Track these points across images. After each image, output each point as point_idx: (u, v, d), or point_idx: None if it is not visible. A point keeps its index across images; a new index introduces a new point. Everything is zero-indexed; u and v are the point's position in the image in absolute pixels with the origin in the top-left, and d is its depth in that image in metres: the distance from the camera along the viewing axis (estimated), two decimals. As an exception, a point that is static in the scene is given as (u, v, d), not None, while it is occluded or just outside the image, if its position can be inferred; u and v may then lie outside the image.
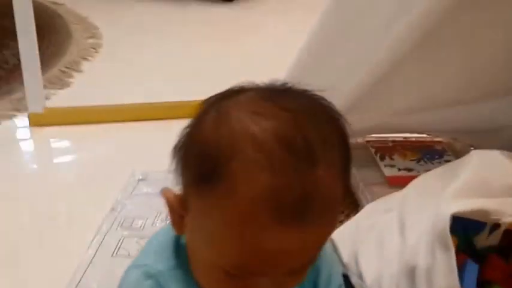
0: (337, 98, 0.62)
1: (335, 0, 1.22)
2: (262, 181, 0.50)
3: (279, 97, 0.56)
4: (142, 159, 1.61)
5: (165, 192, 0.61)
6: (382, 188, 1.32)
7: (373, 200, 1.27)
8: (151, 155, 1.34)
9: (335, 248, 1.14)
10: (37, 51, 1.78)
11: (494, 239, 1.01)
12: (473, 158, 1.09)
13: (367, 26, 1.19)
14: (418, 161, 1.42)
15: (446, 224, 0.93)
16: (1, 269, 1.22)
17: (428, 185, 1.12)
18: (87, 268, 1.17)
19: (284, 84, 0.59)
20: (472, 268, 0.99)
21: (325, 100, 0.59)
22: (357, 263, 1.09)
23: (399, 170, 1.38)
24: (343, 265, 1.11)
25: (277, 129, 0.52)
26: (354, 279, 1.09)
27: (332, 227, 0.57)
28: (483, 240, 1.02)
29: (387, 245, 1.06)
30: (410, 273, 0.97)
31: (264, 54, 2.31)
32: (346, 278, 1.11)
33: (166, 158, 0.60)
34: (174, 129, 0.59)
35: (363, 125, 1.38)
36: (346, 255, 1.12)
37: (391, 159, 1.42)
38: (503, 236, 1.01)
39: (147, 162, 1.53)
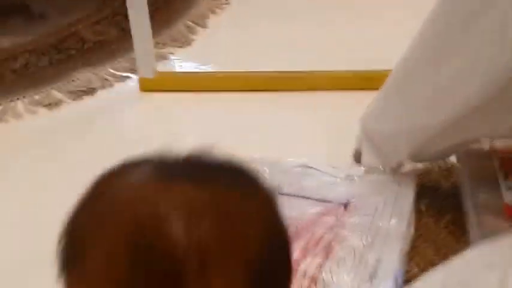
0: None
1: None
2: None
3: (179, 176, 0.44)
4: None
5: None
6: (496, 220, 1.07)
7: (482, 232, 1.04)
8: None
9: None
10: (147, 15, 1.69)
11: None
12: None
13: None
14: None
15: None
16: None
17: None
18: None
19: (201, 155, 0.47)
20: None
21: (253, 176, 0.47)
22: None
23: (526, 195, 1.11)
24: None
25: (144, 227, 0.41)
26: None
27: None
28: None
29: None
30: None
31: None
32: None
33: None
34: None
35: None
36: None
37: (518, 178, 1.16)
38: None
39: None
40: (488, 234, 1.02)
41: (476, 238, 1.07)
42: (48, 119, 1.70)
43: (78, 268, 0.44)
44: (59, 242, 0.46)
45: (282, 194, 1.29)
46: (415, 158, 1.31)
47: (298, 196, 1.31)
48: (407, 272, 1.11)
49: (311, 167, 1.40)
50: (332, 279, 1.10)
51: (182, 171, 0.45)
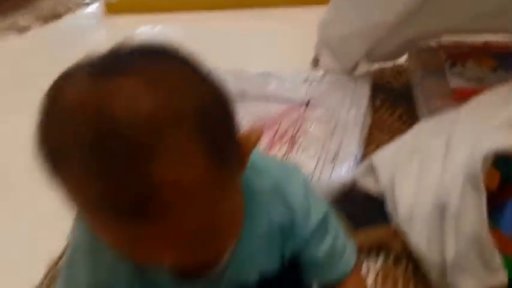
0: None
1: None
2: (91, 189, 0.44)
3: (117, 68, 0.46)
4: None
5: None
6: (444, 101, 1.18)
7: (432, 114, 1.15)
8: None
9: (374, 171, 1.05)
10: None
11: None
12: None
13: None
14: (495, 69, 1.25)
15: (478, 164, 0.81)
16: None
17: (482, 108, 0.98)
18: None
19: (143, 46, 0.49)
20: (513, 209, 0.89)
21: (192, 61, 0.50)
22: (393, 189, 1.00)
23: (468, 80, 1.22)
24: (380, 189, 1.03)
25: (96, 121, 0.43)
26: (388, 207, 1.02)
27: (208, 208, 0.48)
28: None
29: (427, 174, 0.96)
30: (441, 212, 0.88)
31: None
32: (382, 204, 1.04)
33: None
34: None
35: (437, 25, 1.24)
36: (383, 179, 1.03)
37: (463, 66, 1.26)
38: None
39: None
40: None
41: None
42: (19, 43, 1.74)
43: (60, 185, 0.47)
44: (37, 155, 0.48)
45: (248, 99, 1.38)
46: (369, 57, 1.41)
47: (262, 100, 1.40)
48: (365, 154, 1.22)
49: (273, 74, 1.48)
50: (299, 161, 1.19)
51: (125, 61, 0.47)
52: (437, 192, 0.90)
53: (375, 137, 1.28)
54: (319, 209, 0.68)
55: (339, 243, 0.70)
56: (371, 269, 1.04)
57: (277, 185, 0.65)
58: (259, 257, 0.66)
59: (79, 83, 0.46)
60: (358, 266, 0.73)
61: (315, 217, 0.67)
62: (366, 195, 1.07)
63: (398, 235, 1.01)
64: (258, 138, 0.56)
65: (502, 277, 0.83)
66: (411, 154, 1.02)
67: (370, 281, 1.03)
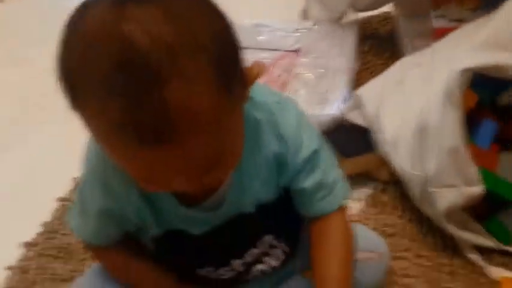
0: None
1: None
2: (111, 108, 0.48)
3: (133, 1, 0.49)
4: None
5: None
6: (427, 40, 1.23)
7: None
8: None
9: (361, 104, 1.11)
10: None
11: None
12: (509, 5, 0.98)
13: None
14: (475, 9, 1.30)
15: (455, 80, 0.87)
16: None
17: (458, 37, 1.03)
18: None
19: None
20: (489, 125, 0.95)
21: None
22: (379, 118, 1.06)
23: (450, 21, 1.28)
24: (367, 120, 1.09)
25: (118, 47, 0.47)
26: (374, 135, 1.07)
27: (217, 134, 0.52)
28: (506, 98, 0.95)
29: (410, 101, 1.02)
30: (423, 131, 0.94)
31: None
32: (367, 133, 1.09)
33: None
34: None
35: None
36: (370, 111, 1.09)
37: (446, 8, 1.31)
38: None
39: None
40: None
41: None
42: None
43: (79, 109, 0.51)
44: (59, 86, 0.51)
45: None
46: (355, 7, 1.46)
47: (254, 49, 1.45)
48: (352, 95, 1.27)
49: (264, 25, 1.53)
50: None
51: None
52: (420, 116, 0.96)
53: (363, 80, 1.33)
54: (311, 142, 0.69)
55: (328, 178, 0.72)
56: (360, 197, 1.11)
57: (272, 117, 0.67)
58: (256, 187, 0.69)
59: (100, 10, 0.49)
60: (345, 208, 0.74)
61: (307, 149, 0.69)
62: (353, 127, 1.13)
63: (384, 163, 1.07)
64: (261, 72, 0.59)
65: (479, 187, 0.89)
66: (395, 86, 1.08)
67: (359, 207, 1.09)
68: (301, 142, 0.69)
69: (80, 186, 0.71)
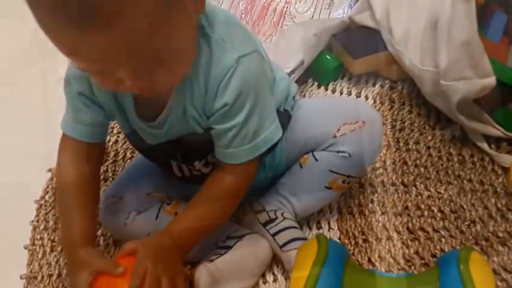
0: None
1: None
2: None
3: None
4: None
5: None
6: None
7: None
8: None
9: (370, 5, 1.12)
10: None
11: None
12: None
13: None
14: None
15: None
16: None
17: None
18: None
19: None
20: (500, 18, 0.97)
21: None
22: (388, 18, 1.08)
23: None
24: (376, 22, 1.11)
25: None
26: (384, 35, 1.09)
27: (146, 24, 0.55)
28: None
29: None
30: (434, 26, 0.95)
31: None
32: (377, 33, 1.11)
33: None
34: None
35: None
36: (378, 12, 1.10)
37: None
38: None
39: None
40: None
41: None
42: None
43: None
44: None
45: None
46: None
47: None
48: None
49: None
50: (297, 11, 1.26)
51: None
52: (430, 11, 0.97)
53: None
54: (240, 92, 0.68)
55: (241, 133, 0.71)
56: (369, 95, 1.14)
57: (224, 63, 0.67)
58: (192, 113, 0.71)
59: None
60: (247, 167, 0.74)
61: (231, 95, 0.68)
62: (362, 29, 1.14)
63: (393, 61, 1.10)
64: None
65: (491, 79, 0.92)
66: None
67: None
68: (227, 86, 0.68)
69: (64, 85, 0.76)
